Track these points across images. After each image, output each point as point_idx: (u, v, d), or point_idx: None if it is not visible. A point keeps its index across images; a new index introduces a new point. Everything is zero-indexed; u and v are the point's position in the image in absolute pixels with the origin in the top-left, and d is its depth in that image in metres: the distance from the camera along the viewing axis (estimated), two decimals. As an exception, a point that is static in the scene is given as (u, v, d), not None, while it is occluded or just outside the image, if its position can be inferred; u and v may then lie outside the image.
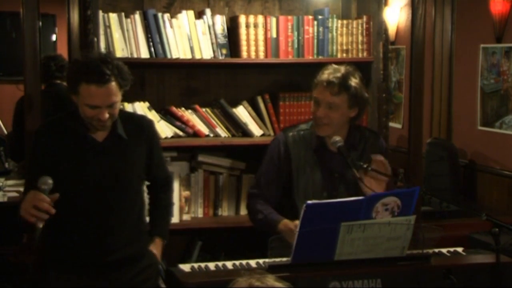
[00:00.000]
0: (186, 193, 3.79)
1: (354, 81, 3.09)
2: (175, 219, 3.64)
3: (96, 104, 2.68)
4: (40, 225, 2.52)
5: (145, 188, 3.08)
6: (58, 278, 2.80)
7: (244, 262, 2.80)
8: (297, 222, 2.67)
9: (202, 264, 2.76)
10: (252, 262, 2.79)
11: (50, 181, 2.58)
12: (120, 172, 2.82)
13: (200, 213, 3.90)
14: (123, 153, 2.83)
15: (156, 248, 3.00)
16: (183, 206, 3.78)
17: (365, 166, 3.02)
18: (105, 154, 2.80)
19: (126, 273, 2.82)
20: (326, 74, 3.08)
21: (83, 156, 2.77)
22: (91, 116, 2.71)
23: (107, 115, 2.70)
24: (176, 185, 3.60)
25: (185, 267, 2.72)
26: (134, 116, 3.08)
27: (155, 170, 3.02)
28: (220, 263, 2.78)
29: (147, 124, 2.99)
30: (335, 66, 3.15)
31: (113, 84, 2.69)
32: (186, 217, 3.81)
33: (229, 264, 2.78)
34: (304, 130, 3.23)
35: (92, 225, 2.77)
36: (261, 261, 2.79)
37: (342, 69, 3.11)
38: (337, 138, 3.07)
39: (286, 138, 3.21)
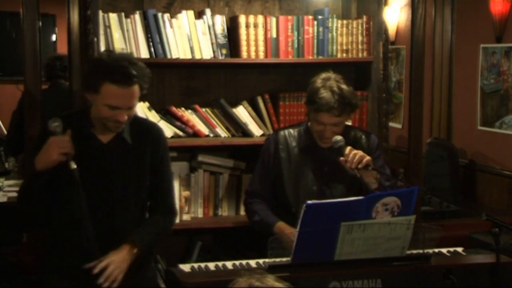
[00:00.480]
0: (186, 193, 3.79)
1: (347, 91, 3.19)
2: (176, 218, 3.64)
3: (117, 105, 2.64)
4: (74, 165, 2.57)
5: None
6: (58, 279, 2.79)
7: (244, 262, 2.80)
8: (294, 230, 2.69)
9: (202, 264, 2.76)
10: (252, 262, 2.80)
11: (59, 122, 2.60)
12: (121, 176, 2.78)
13: (200, 213, 3.89)
14: (126, 157, 2.79)
15: (118, 252, 2.71)
16: (183, 206, 3.78)
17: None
18: (108, 157, 2.76)
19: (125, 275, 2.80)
20: (325, 99, 3.13)
21: (87, 156, 2.73)
22: (108, 117, 2.67)
23: (125, 117, 2.68)
24: (176, 185, 3.60)
25: (185, 267, 2.72)
26: (143, 122, 2.97)
27: (157, 183, 2.88)
28: (220, 263, 2.78)
29: (156, 131, 2.92)
30: (325, 78, 3.21)
31: (136, 86, 2.65)
32: (186, 217, 3.81)
33: (229, 264, 2.78)
34: (295, 129, 3.37)
35: (93, 226, 2.72)
36: (261, 261, 2.79)
37: (335, 84, 3.17)
38: (339, 138, 3.15)
39: (276, 137, 3.37)
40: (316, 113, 3.18)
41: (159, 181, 2.89)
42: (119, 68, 2.62)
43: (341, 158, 3.08)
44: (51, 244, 2.84)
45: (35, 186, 2.67)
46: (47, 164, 2.60)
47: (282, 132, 3.38)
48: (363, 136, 3.39)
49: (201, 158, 3.89)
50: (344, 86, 3.17)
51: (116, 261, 2.67)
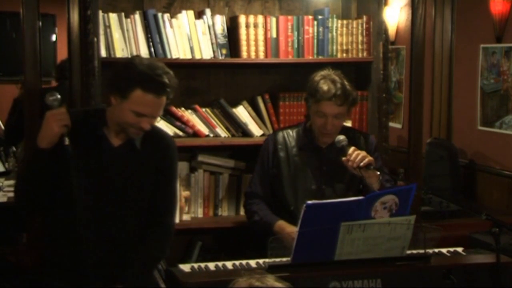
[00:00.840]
0: (186, 193, 3.79)
1: (348, 85, 3.22)
2: (176, 217, 3.64)
3: (145, 113, 2.60)
4: (68, 141, 2.54)
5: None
6: (55, 280, 2.76)
7: (244, 262, 2.80)
8: (294, 229, 2.69)
9: (202, 264, 2.76)
10: (252, 262, 2.80)
11: (56, 96, 2.56)
12: (125, 182, 2.73)
13: (200, 213, 3.89)
14: (133, 163, 2.75)
15: None
16: (183, 206, 3.78)
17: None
18: (116, 160, 2.73)
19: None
20: (327, 87, 3.16)
21: (95, 157, 2.70)
22: (132, 123, 2.63)
23: (149, 125, 2.65)
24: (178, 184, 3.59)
25: (185, 267, 2.72)
26: (156, 131, 2.85)
27: (156, 196, 2.79)
28: (220, 263, 2.78)
29: (166, 142, 2.86)
30: (324, 73, 3.23)
31: (165, 96, 2.62)
32: (186, 217, 3.81)
33: (229, 264, 2.78)
34: (293, 129, 3.39)
35: (92, 228, 2.68)
36: (261, 261, 2.79)
37: (336, 76, 3.23)
38: (341, 137, 3.18)
39: (275, 137, 3.39)
40: (318, 103, 3.18)
41: (158, 195, 2.81)
42: (155, 76, 2.58)
43: (343, 158, 3.09)
44: (48, 244, 2.82)
45: (38, 164, 2.60)
46: (51, 138, 2.55)
47: (280, 133, 3.40)
48: (362, 137, 3.41)
49: (201, 158, 3.89)
50: (346, 81, 3.21)
51: None
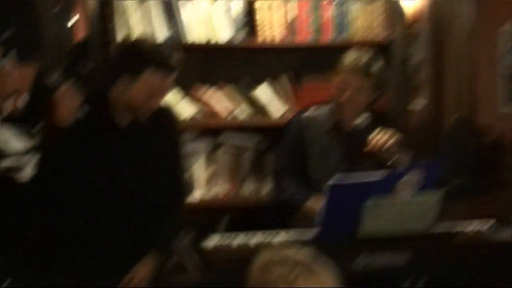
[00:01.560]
0: (209, 171, 3.78)
1: (377, 66, 3.15)
2: (199, 196, 3.68)
3: (156, 93, 2.58)
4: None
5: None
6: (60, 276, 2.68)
7: (268, 238, 2.79)
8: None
9: (227, 241, 2.76)
10: (277, 237, 2.79)
11: (57, 74, 2.63)
12: (136, 162, 2.68)
13: (224, 191, 3.88)
14: (141, 142, 2.70)
15: (144, 265, 2.70)
16: (207, 184, 3.78)
17: None
18: (124, 142, 2.68)
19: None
20: (351, 60, 3.12)
21: (103, 139, 2.66)
22: (142, 104, 2.59)
23: (158, 105, 2.63)
24: (199, 163, 3.60)
25: (210, 244, 2.72)
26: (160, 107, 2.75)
27: (168, 168, 2.79)
28: (244, 240, 2.78)
29: (172, 117, 2.84)
30: (356, 52, 3.18)
31: (174, 74, 2.60)
32: (210, 194, 3.82)
33: (253, 240, 2.77)
34: (318, 111, 3.30)
35: (101, 212, 2.64)
36: (286, 235, 2.79)
37: (365, 54, 3.15)
38: (362, 119, 3.13)
39: (301, 117, 3.30)
40: (340, 75, 3.15)
41: (171, 170, 2.80)
42: (164, 55, 2.57)
43: (367, 148, 3.05)
44: (51, 242, 2.74)
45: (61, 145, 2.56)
46: (72, 114, 2.51)
47: (306, 113, 3.32)
48: (384, 118, 3.35)
49: (223, 136, 3.88)
50: (374, 62, 3.17)
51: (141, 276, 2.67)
